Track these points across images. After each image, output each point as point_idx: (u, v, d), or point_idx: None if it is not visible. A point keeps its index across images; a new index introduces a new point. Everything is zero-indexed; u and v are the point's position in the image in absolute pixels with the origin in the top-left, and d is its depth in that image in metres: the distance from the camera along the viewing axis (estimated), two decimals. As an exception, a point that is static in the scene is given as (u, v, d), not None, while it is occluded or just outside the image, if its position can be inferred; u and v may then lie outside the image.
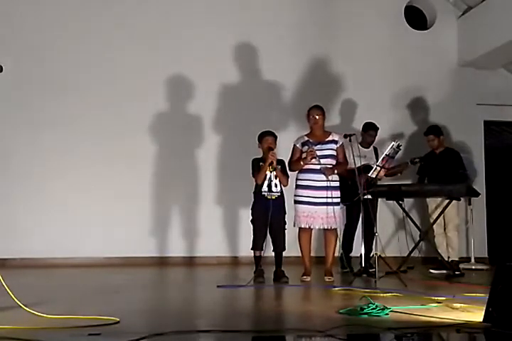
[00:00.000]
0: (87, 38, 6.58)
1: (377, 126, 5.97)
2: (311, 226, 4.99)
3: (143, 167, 6.52)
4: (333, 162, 5.03)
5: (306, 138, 5.11)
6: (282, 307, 3.83)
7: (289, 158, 5.15)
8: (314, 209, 4.94)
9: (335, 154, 5.05)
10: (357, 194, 5.08)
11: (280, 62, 6.90)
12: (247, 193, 5.23)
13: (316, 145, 5.00)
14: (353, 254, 5.81)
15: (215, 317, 3.25)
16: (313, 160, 4.92)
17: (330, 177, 4.94)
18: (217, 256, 6.53)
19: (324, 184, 4.94)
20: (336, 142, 5.07)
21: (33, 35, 6.47)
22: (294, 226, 5.05)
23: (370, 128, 5.95)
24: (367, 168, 5.35)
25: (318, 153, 4.94)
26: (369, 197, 5.15)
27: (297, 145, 5.12)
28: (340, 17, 7.22)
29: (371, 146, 5.97)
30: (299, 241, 5.07)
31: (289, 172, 5.13)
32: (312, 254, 5.26)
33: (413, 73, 7.22)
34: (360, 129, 6.01)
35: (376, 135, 5.99)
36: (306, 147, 5.02)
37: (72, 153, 6.39)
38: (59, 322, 2.80)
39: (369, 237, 5.14)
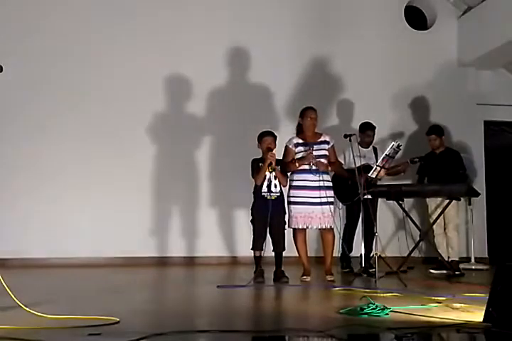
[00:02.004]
0: (87, 38, 6.57)
1: (374, 125, 5.97)
2: (309, 227, 4.99)
3: (143, 167, 6.52)
4: (326, 162, 5.04)
5: (299, 139, 5.10)
6: (282, 307, 3.82)
7: (281, 159, 5.12)
8: (311, 209, 4.94)
9: (327, 154, 5.06)
10: (357, 194, 5.08)
11: (279, 63, 6.89)
12: (247, 193, 5.23)
13: (308, 145, 5.02)
14: (353, 254, 5.81)
15: (215, 317, 3.25)
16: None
17: (322, 177, 4.93)
18: (217, 256, 6.53)
19: (318, 184, 4.94)
20: (327, 143, 5.08)
21: (31, 35, 6.47)
22: (289, 227, 5.04)
23: (367, 128, 5.94)
24: (366, 167, 5.35)
25: (314, 147, 4.97)
26: (369, 197, 5.14)
27: (290, 146, 5.11)
28: (340, 17, 7.22)
29: (370, 146, 5.96)
30: (296, 242, 5.06)
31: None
32: (312, 254, 5.26)
33: (413, 73, 7.22)
34: (358, 130, 5.99)
35: (374, 134, 5.98)
36: (301, 148, 5.03)
37: (72, 153, 6.39)
38: (59, 322, 2.80)
39: (369, 237, 5.14)
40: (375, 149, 5.95)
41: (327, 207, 4.93)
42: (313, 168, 4.94)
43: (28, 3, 6.53)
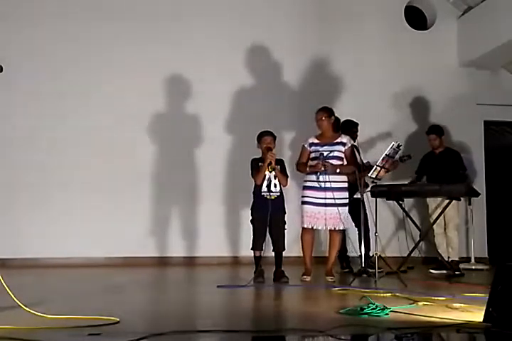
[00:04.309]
0: (88, 38, 6.57)
1: (357, 121, 5.92)
2: (314, 227, 4.99)
3: (143, 167, 6.52)
4: (340, 163, 5.02)
5: (314, 139, 5.12)
6: (282, 307, 3.82)
7: (297, 159, 5.18)
8: (318, 210, 4.94)
9: (342, 156, 5.04)
10: (351, 193, 5.09)
11: (281, 63, 6.92)
12: (247, 193, 5.22)
13: (323, 146, 5.02)
14: (353, 254, 5.82)
15: (215, 317, 3.25)
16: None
17: (333, 178, 4.92)
18: (217, 256, 6.52)
19: (329, 185, 4.91)
20: (344, 144, 5.06)
21: (32, 33, 6.47)
22: (301, 225, 5.06)
23: (353, 126, 5.86)
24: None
25: (325, 154, 4.95)
26: (358, 196, 5.15)
27: (305, 146, 5.14)
28: (341, 17, 7.22)
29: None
30: (301, 240, 5.07)
31: (288, 173, 5.14)
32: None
33: (413, 73, 7.23)
34: (340, 128, 5.80)
35: (357, 131, 5.94)
36: (315, 148, 5.05)
37: (72, 153, 6.39)
38: (59, 322, 2.79)
39: (361, 237, 5.16)
40: (355, 147, 5.90)
41: (334, 208, 4.91)
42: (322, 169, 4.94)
43: (28, 4, 6.53)
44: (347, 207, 5.02)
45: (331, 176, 4.92)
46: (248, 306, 3.81)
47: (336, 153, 5.00)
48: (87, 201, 6.34)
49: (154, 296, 4.20)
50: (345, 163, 5.05)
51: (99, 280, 5.14)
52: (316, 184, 4.95)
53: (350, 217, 5.21)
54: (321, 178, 4.92)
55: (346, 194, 5.03)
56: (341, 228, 5.02)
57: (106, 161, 6.40)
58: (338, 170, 4.96)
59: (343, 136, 5.16)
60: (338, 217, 4.94)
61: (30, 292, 3.85)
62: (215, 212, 6.62)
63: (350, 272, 5.59)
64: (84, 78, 6.51)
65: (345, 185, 5.03)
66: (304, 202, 5.02)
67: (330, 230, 5.03)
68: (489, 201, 7.27)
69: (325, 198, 4.93)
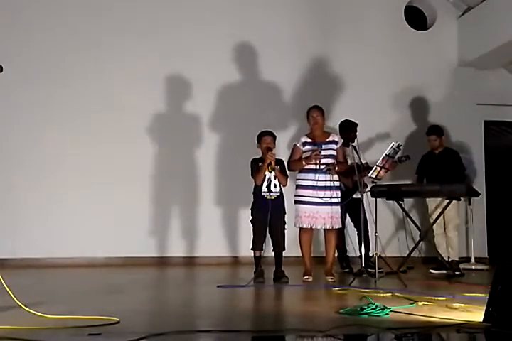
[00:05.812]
0: (87, 38, 6.57)
1: (356, 121, 5.91)
2: (313, 227, 4.98)
3: (143, 167, 6.52)
4: (333, 162, 5.03)
5: (307, 138, 5.11)
6: (282, 307, 3.83)
7: (288, 158, 5.16)
8: (316, 209, 4.94)
9: (335, 154, 5.05)
10: (349, 194, 5.09)
11: (279, 62, 6.90)
12: (247, 193, 5.22)
13: (317, 145, 5.01)
14: (353, 254, 5.82)
15: (215, 318, 3.25)
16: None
17: (330, 177, 4.93)
18: (217, 256, 6.52)
19: (325, 184, 4.93)
20: (336, 142, 5.08)
21: (32, 36, 6.48)
22: (295, 226, 5.04)
23: (353, 126, 5.84)
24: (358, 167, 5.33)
25: (323, 146, 4.96)
26: (358, 196, 5.16)
27: (297, 145, 5.12)
28: (341, 17, 7.23)
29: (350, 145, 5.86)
30: (300, 241, 5.06)
31: (288, 173, 5.14)
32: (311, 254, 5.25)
33: (413, 73, 7.23)
34: (339, 129, 5.82)
35: (356, 131, 5.93)
36: (308, 147, 5.03)
37: (73, 153, 6.39)
38: (59, 322, 2.79)
39: (361, 237, 5.17)
40: (354, 147, 5.89)
41: (333, 207, 4.93)
42: (321, 167, 4.94)
43: (28, 5, 6.53)
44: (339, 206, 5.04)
45: (328, 175, 4.93)
46: (248, 306, 3.81)
47: (330, 152, 5.02)
48: (87, 201, 6.34)
49: (154, 296, 4.20)
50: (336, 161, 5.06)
51: (99, 280, 5.14)
52: (312, 183, 4.95)
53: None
54: (320, 177, 4.92)
55: (339, 193, 5.04)
56: (339, 227, 5.02)
57: (106, 161, 6.41)
58: (337, 169, 4.98)
59: (333, 134, 5.18)
60: (337, 216, 4.95)
61: (30, 292, 3.85)
62: (214, 212, 6.62)
63: (350, 272, 5.59)
64: (84, 78, 6.50)
65: (339, 184, 5.06)
66: (300, 202, 5.00)
67: (327, 229, 5.02)
68: (489, 201, 7.27)
69: (326, 197, 4.92)
